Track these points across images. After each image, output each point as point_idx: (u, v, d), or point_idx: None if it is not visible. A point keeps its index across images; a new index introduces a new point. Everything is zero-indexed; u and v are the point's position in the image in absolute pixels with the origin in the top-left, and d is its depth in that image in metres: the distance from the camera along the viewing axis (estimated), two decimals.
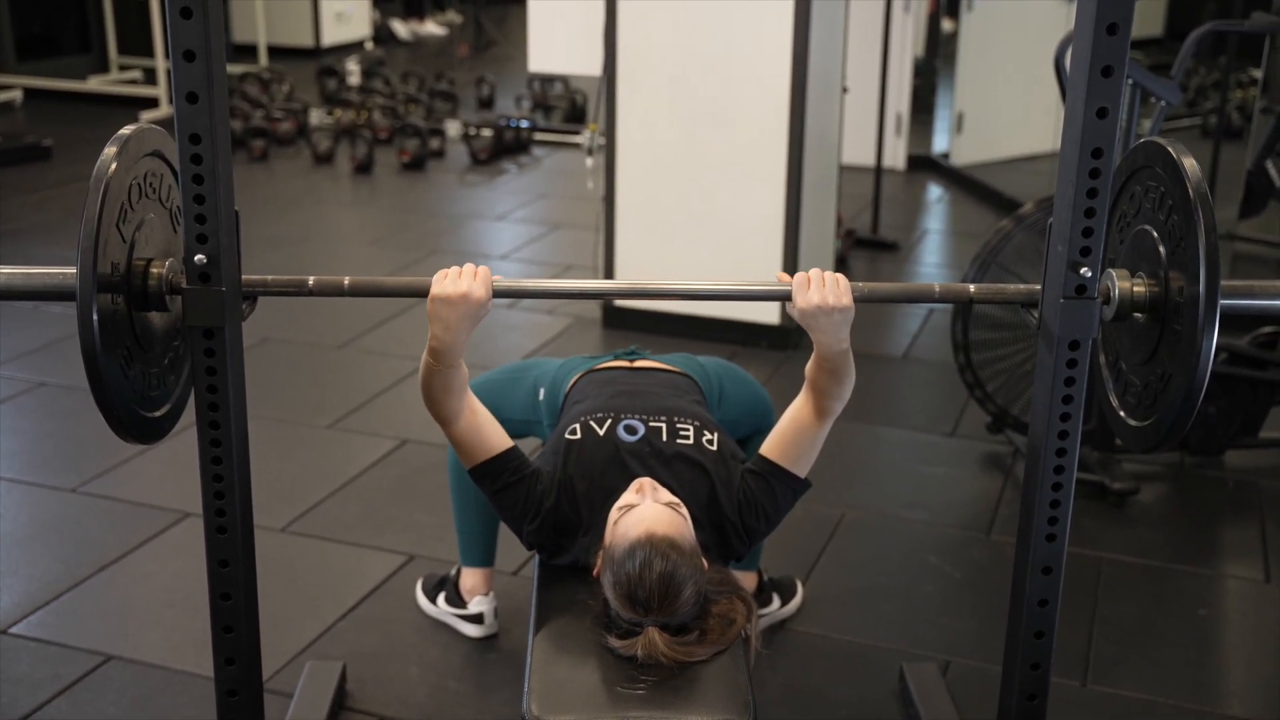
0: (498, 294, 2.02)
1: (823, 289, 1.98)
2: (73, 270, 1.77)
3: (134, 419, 1.90)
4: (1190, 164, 1.86)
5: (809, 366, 2.15)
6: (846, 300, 1.98)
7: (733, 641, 2.01)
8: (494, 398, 2.50)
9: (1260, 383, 3.60)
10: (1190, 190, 1.82)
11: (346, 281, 2.02)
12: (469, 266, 2.02)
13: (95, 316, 1.74)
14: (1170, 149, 1.88)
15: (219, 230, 1.86)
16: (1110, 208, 1.91)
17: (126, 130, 1.88)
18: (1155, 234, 1.93)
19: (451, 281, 1.99)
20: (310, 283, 2.02)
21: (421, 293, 2.00)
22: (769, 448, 2.25)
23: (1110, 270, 1.97)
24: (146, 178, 1.92)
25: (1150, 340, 1.95)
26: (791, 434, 2.23)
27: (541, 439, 2.64)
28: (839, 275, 2.01)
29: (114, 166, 1.81)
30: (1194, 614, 3.01)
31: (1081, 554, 3.20)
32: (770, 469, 2.23)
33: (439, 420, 2.17)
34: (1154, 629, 2.94)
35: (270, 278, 2.01)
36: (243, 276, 1.95)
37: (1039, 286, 2.02)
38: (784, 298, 2.02)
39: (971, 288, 2.08)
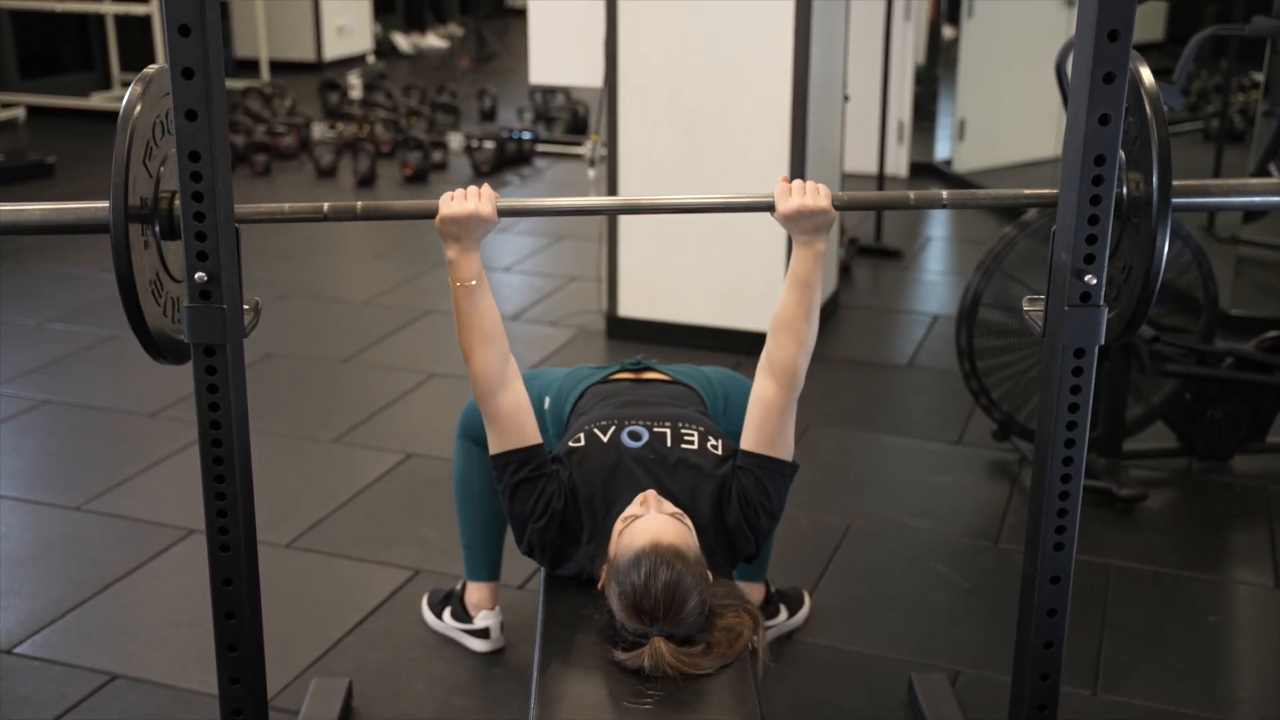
0: (502, 213, 2.11)
1: (803, 195, 2.08)
2: (105, 204, 1.93)
3: (167, 342, 2.02)
4: (1145, 73, 1.95)
5: (779, 302, 2.18)
6: (825, 203, 2.08)
7: (739, 654, 2.00)
8: None
9: (1267, 387, 3.59)
10: (1145, 96, 1.93)
11: (359, 206, 2.08)
12: (473, 187, 2.10)
13: (128, 246, 1.89)
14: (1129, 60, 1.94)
15: (219, 248, 1.85)
16: None
17: (150, 70, 1.97)
18: None
19: (459, 202, 2.08)
20: (325, 208, 2.07)
21: (431, 213, 2.09)
22: (745, 440, 2.25)
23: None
24: (169, 115, 1.98)
25: (1112, 237, 2.00)
26: (760, 415, 2.22)
27: (549, 448, 2.63)
28: (819, 184, 2.10)
29: (139, 107, 1.91)
30: (1204, 621, 3.00)
31: (1090, 561, 3.19)
32: (753, 460, 2.23)
33: (475, 370, 2.18)
34: (1164, 636, 2.92)
35: (288, 206, 2.08)
36: (248, 207, 2.01)
37: (1012, 190, 2.16)
38: (768, 207, 2.11)
39: (944, 194, 2.15)
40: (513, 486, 2.20)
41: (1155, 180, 1.92)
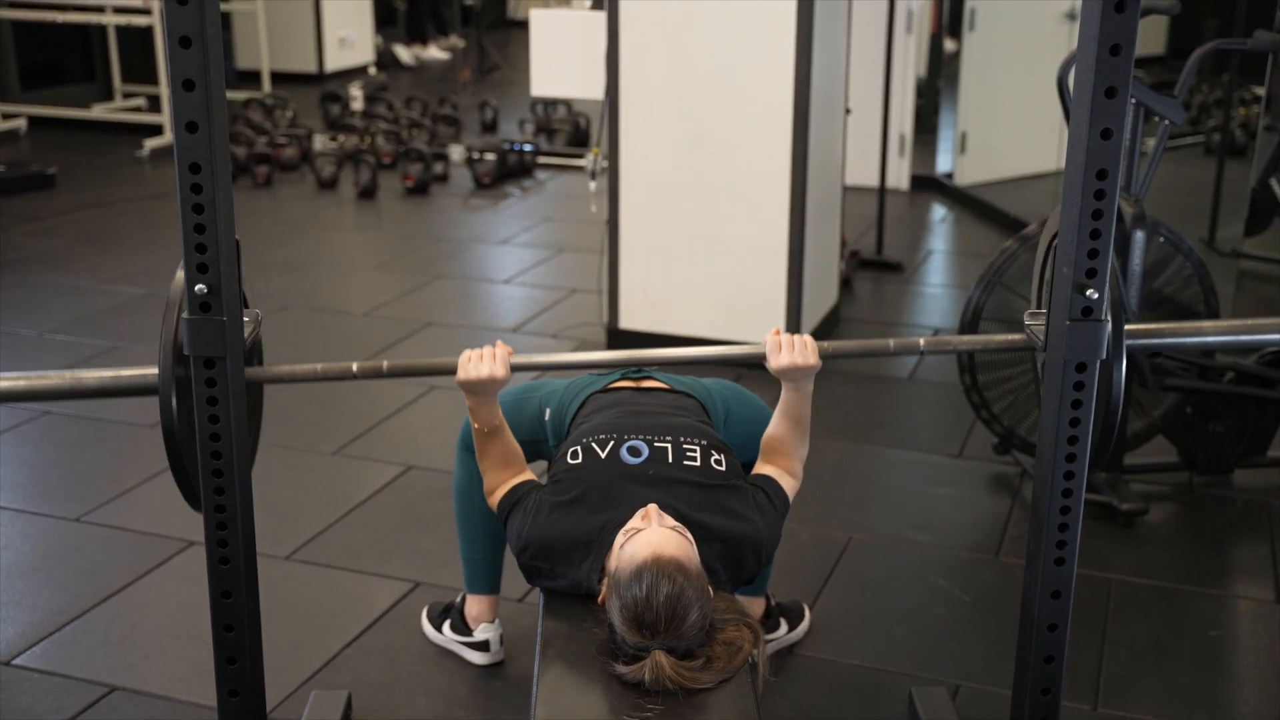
0: (515, 369, 2.28)
1: (792, 351, 2.25)
2: (153, 370, 2.11)
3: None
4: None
5: (771, 426, 2.37)
6: (814, 360, 2.25)
7: (739, 669, 1.99)
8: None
9: (1268, 401, 3.58)
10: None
11: (385, 365, 2.25)
12: (488, 349, 2.26)
13: (174, 406, 2.06)
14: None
15: (219, 259, 1.86)
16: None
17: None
18: None
19: (475, 365, 2.25)
20: (354, 368, 2.23)
21: (452, 371, 2.26)
22: (759, 471, 2.38)
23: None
24: None
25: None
26: (774, 474, 2.37)
27: (549, 459, 2.64)
28: (806, 337, 2.27)
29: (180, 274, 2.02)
30: (1205, 635, 2.99)
31: (1091, 575, 3.18)
32: (765, 481, 2.34)
33: (489, 486, 2.37)
34: (1165, 651, 2.91)
35: (320, 366, 2.25)
36: (288, 368, 2.20)
37: (986, 336, 2.25)
38: (761, 358, 2.28)
39: (921, 341, 2.30)
40: (504, 522, 2.33)
41: (1109, 326, 2.01)
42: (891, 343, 2.29)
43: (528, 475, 2.37)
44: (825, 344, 2.28)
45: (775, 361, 2.25)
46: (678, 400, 2.53)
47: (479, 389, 2.26)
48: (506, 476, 2.35)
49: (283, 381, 2.24)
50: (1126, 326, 2.10)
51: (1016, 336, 2.24)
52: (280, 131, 7.90)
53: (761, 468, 2.37)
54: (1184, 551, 3.39)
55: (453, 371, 2.26)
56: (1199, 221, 5.91)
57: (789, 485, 2.35)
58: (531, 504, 2.25)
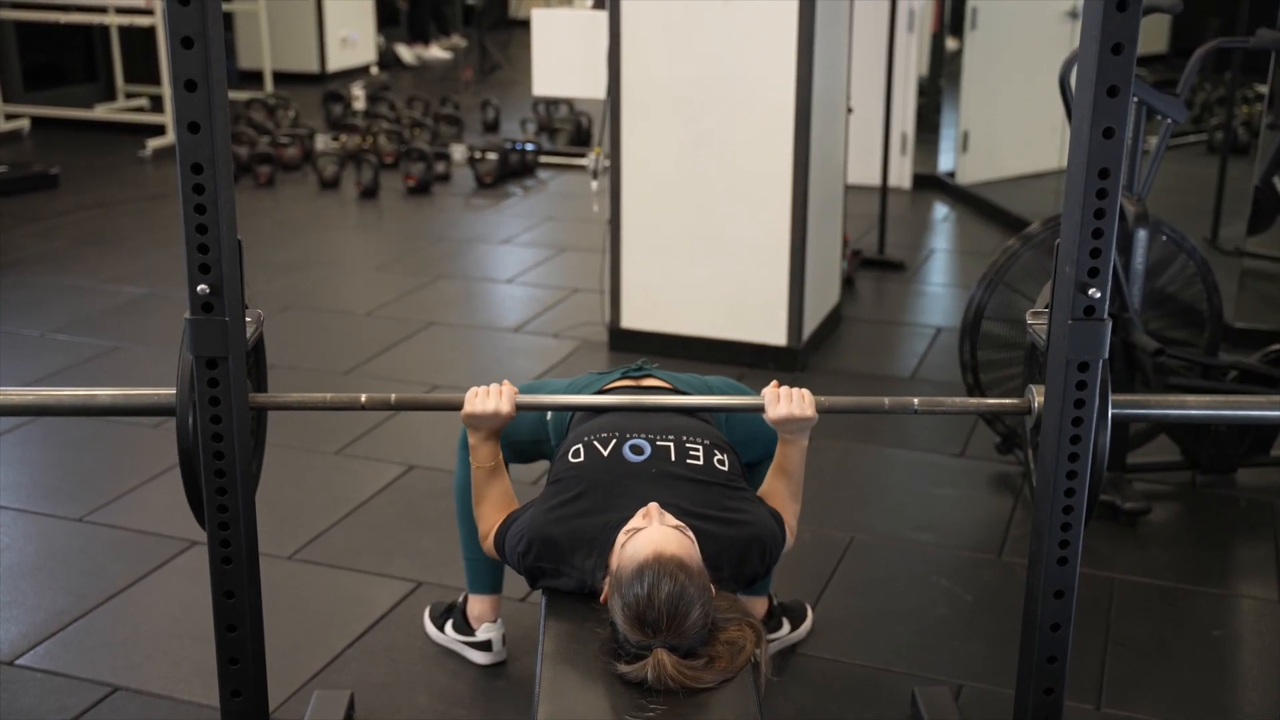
0: (520, 408, 2.33)
1: (790, 403, 2.29)
2: (170, 392, 2.11)
3: None
4: None
5: (765, 482, 2.39)
6: (811, 411, 2.29)
7: (741, 669, 1.99)
8: None
9: None
10: None
11: (393, 398, 2.27)
12: (494, 387, 2.31)
13: (191, 429, 2.06)
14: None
15: (221, 259, 1.86)
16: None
17: None
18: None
19: (481, 401, 2.30)
20: (363, 399, 2.25)
21: (458, 407, 2.31)
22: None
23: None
24: None
25: None
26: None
27: (550, 459, 2.63)
28: (804, 391, 2.31)
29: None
30: (1208, 634, 2.99)
31: (1094, 575, 3.18)
32: (771, 509, 2.33)
33: (483, 530, 2.39)
34: (1168, 650, 2.91)
35: (330, 396, 2.31)
36: (297, 396, 2.26)
37: (976, 399, 2.26)
38: (758, 409, 2.32)
39: (915, 401, 2.28)
40: (500, 553, 2.34)
41: (1095, 398, 2.03)
42: (886, 401, 2.31)
43: (515, 506, 2.39)
44: (822, 399, 2.32)
45: (773, 412, 2.29)
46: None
47: (483, 424, 2.31)
48: (501, 518, 2.37)
49: (291, 409, 2.27)
50: (1114, 397, 2.11)
51: (1011, 401, 2.25)
52: (282, 131, 7.91)
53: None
54: (1187, 551, 3.39)
55: (459, 407, 2.30)
56: (1202, 220, 5.90)
57: (784, 537, 2.36)
58: (526, 515, 2.26)
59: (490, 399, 2.30)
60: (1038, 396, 2.13)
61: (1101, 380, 2.01)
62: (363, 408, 2.26)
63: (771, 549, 2.24)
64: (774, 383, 2.34)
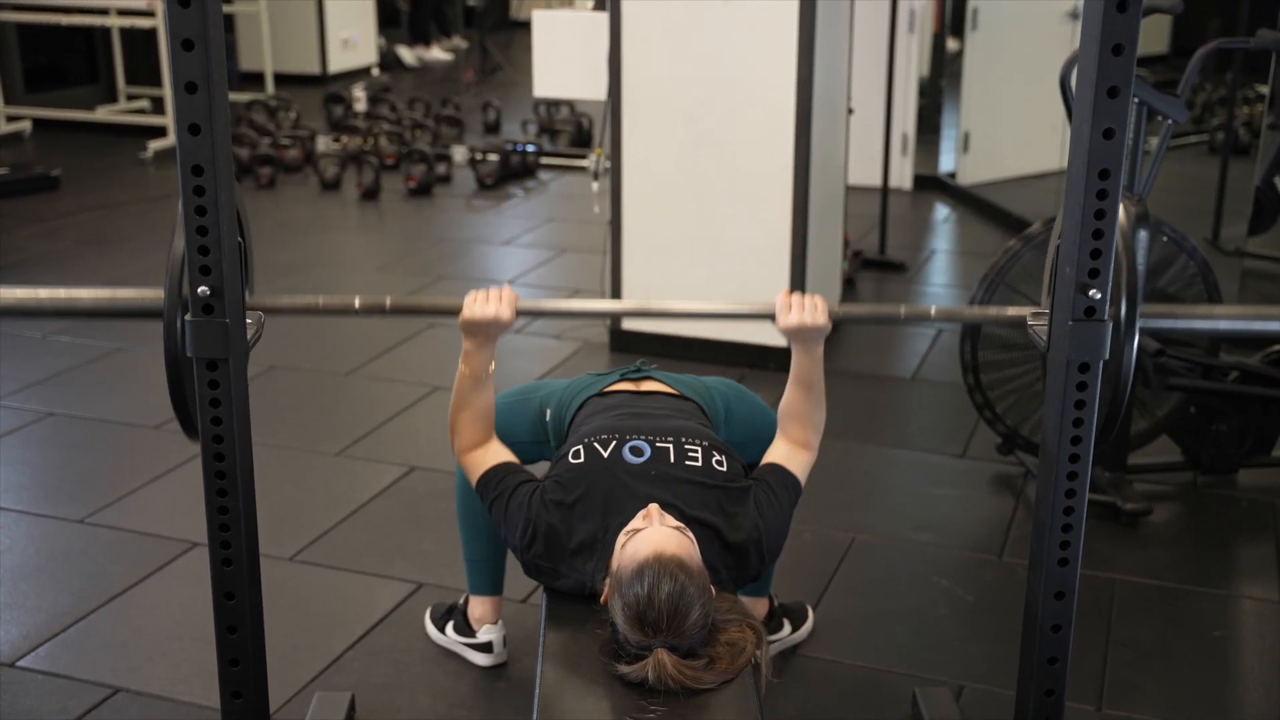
0: (521, 314, 2.26)
1: (802, 311, 2.22)
2: (158, 293, 2.05)
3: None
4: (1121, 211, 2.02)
5: (785, 395, 2.36)
6: (824, 320, 2.23)
7: (741, 669, 1.99)
8: (503, 421, 2.51)
9: (1272, 400, 3.58)
10: (1118, 237, 1.98)
11: (388, 302, 2.22)
12: (494, 290, 2.24)
13: (178, 334, 2.01)
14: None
15: (222, 261, 1.86)
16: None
17: None
18: None
19: (481, 305, 2.23)
20: (356, 303, 2.19)
21: (456, 311, 2.24)
22: (768, 459, 2.38)
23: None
24: None
25: None
26: (785, 454, 2.38)
27: (550, 460, 2.63)
28: (817, 298, 2.24)
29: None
30: (1209, 635, 2.99)
31: (1094, 576, 3.17)
32: (773, 470, 2.34)
33: (460, 444, 2.34)
34: (1169, 651, 2.91)
35: (321, 299, 2.24)
36: (289, 299, 2.18)
37: (999, 310, 2.28)
38: (769, 317, 2.25)
39: (932, 309, 2.35)
40: (491, 505, 2.30)
41: (1124, 302, 2.03)
42: (902, 309, 2.28)
43: (510, 457, 2.36)
44: (835, 308, 2.26)
45: (784, 320, 2.23)
46: (678, 403, 2.53)
47: (481, 331, 2.25)
48: (482, 438, 2.34)
49: (283, 313, 2.20)
50: (1143, 306, 2.09)
51: (1026, 310, 2.19)
52: (283, 133, 7.91)
53: (776, 445, 2.39)
54: (1188, 552, 3.38)
55: (458, 311, 2.24)
56: (1202, 221, 5.90)
57: (802, 462, 2.36)
58: (531, 501, 2.24)
59: (490, 304, 2.23)
60: None
61: (1129, 291, 2.02)
62: (356, 312, 2.21)
63: (771, 546, 2.24)
64: (784, 290, 2.29)
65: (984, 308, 2.34)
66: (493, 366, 2.33)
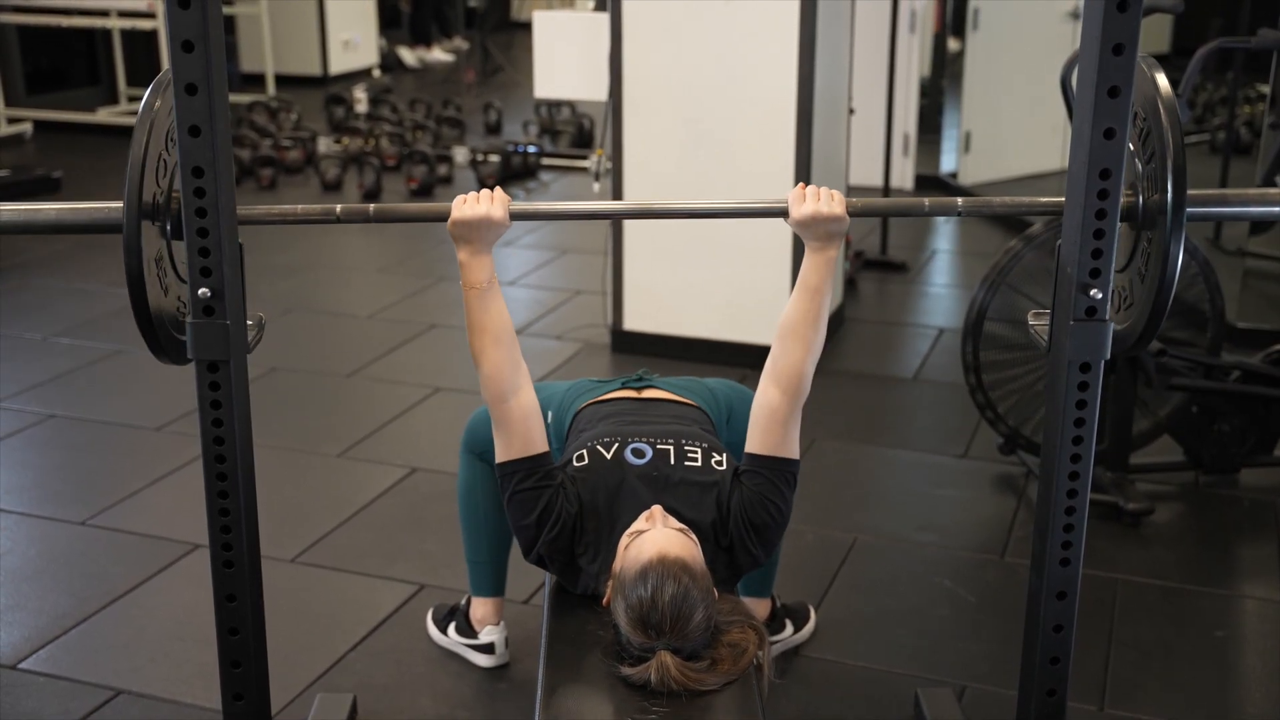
0: (515, 216, 2.14)
1: (817, 201, 2.09)
2: (118, 204, 1.94)
3: (170, 341, 2.02)
4: (1161, 80, 1.95)
5: (787, 307, 2.18)
6: (839, 210, 2.09)
7: (744, 671, 1.99)
8: None
9: (1274, 400, 3.57)
10: (1161, 105, 1.93)
11: (372, 208, 2.12)
12: (485, 191, 2.13)
13: (140, 244, 1.91)
14: (1144, 65, 1.95)
15: (222, 263, 1.86)
16: None
17: (166, 76, 1.96)
18: (1130, 148, 2.02)
19: (470, 206, 2.10)
20: (338, 210, 2.10)
21: (442, 216, 2.11)
22: (750, 445, 2.24)
23: None
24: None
25: (1126, 248, 2.03)
26: (764, 422, 2.21)
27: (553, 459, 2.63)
28: (834, 190, 2.11)
29: (157, 107, 1.94)
30: (1211, 635, 2.98)
31: (1096, 575, 3.17)
32: (759, 461, 2.21)
33: (486, 371, 2.16)
34: (1171, 651, 2.91)
35: (300, 208, 2.13)
36: (266, 208, 2.08)
37: (1032, 199, 2.17)
38: (782, 213, 2.13)
39: (959, 201, 2.14)
40: (518, 495, 2.19)
41: (1170, 190, 1.92)
42: (926, 202, 2.14)
43: (544, 443, 2.20)
44: (854, 200, 2.13)
45: (797, 211, 2.09)
46: (678, 409, 2.52)
47: (474, 234, 2.11)
48: (508, 372, 2.16)
49: (264, 223, 2.09)
50: (1190, 192, 1.95)
51: (1057, 200, 2.07)
52: (284, 134, 7.91)
53: (764, 400, 2.20)
54: (1190, 551, 3.38)
55: (446, 216, 2.11)
56: (1204, 220, 5.89)
57: (789, 429, 2.17)
58: (565, 493, 2.18)
59: (481, 204, 2.10)
60: None
61: (1175, 186, 1.91)
62: (338, 219, 2.09)
63: (765, 539, 2.20)
64: (800, 184, 2.14)
65: (1016, 199, 2.22)
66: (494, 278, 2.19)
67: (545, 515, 2.17)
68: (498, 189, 2.15)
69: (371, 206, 2.11)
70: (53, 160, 7.77)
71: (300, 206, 2.12)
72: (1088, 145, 1.82)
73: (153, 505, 3.55)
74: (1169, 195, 1.92)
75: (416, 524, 3.45)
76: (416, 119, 8.45)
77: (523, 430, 2.19)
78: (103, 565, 3.24)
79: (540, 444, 2.21)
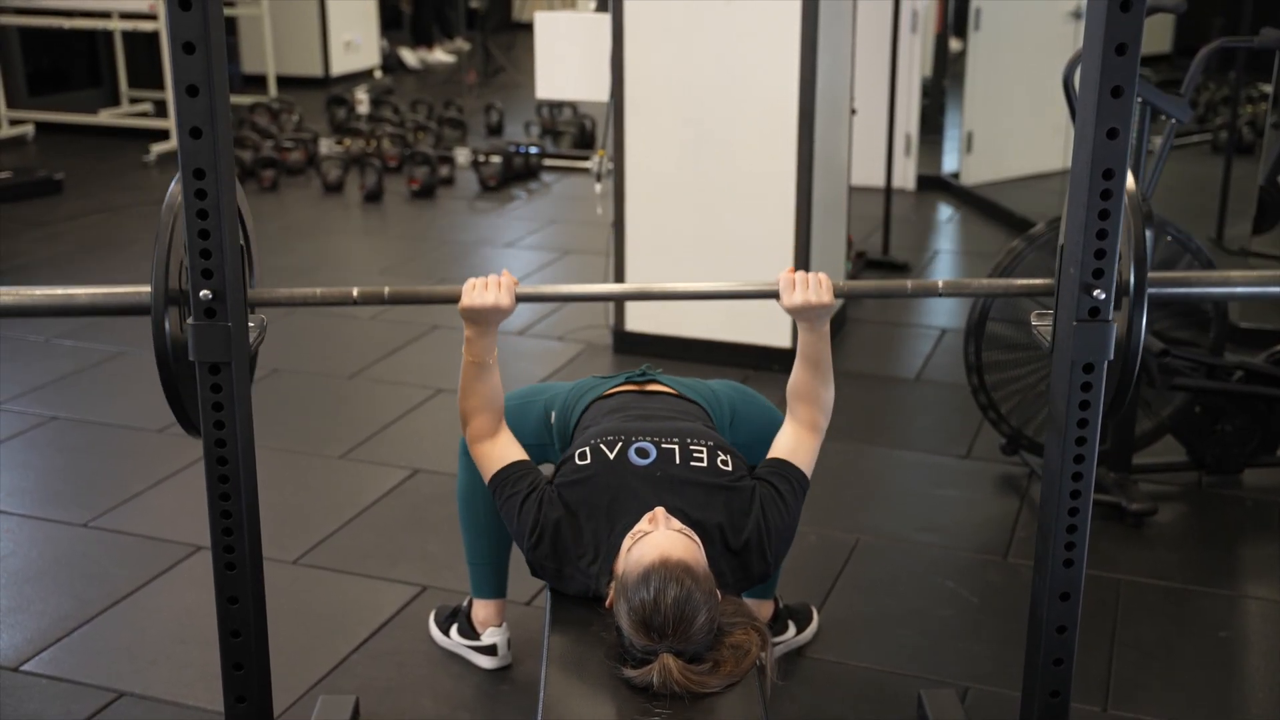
0: (520, 299, 2.26)
1: (806, 289, 2.21)
2: (146, 289, 2.06)
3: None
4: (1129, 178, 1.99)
5: (793, 374, 2.33)
6: (829, 298, 2.22)
7: (746, 672, 1.98)
8: (507, 423, 2.49)
9: (1277, 400, 3.57)
10: (1124, 197, 1.95)
11: (386, 292, 2.22)
12: (493, 278, 2.25)
13: (166, 328, 2.02)
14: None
15: (224, 265, 1.86)
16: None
17: None
18: None
19: (480, 293, 2.22)
20: (354, 294, 2.19)
21: (455, 299, 2.24)
22: (773, 453, 2.34)
23: None
24: None
25: None
26: (789, 446, 2.33)
27: (555, 463, 2.63)
28: (822, 275, 2.23)
29: (180, 200, 1.99)
30: (1214, 636, 2.98)
31: (1100, 576, 3.17)
32: (778, 465, 2.30)
33: (471, 433, 2.33)
34: (1174, 652, 2.90)
35: (319, 291, 2.21)
36: (287, 291, 2.18)
37: (1008, 282, 2.26)
38: (774, 295, 2.24)
39: (939, 283, 2.25)
40: (504, 507, 2.27)
41: (1133, 274, 2.02)
42: (909, 284, 2.26)
43: (521, 454, 2.33)
44: (840, 283, 2.24)
45: (788, 300, 2.21)
46: (683, 405, 2.52)
47: (481, 318, 2.24)
48: (492, 427, 2.32)
49: (282, 305, 2.22)
50: (1152, 274, 2.05)
51: (1038, 281, 2.18)
52: (286, 135, 7.91)
53: (783, 433, 2.35)
54: (1193, 552, 3.38)
55: (457, 299, 2.23)
56: (1206, 220, 5.89)
57: (809, 449, 2.32)
58: (541, 501, 2.22)
59: (490, 292, 2.22)
60: None
61: (1137, 258, 2.01)
62: (354, 302, 2.20)
63: (777, 546, 2.22)
64: (789, 267, 2.28)
65: (993, 280, 2.31)
66: (496, 353, 2.33)
67: (525, 526, 2.21)
68: (505, 273, 2.27)
69: (386, 290, 2.22)
70: (54, 162, 7.77)
71: (319, 290, 2.22)
72: (1091, 145, 1.82)
73: (155, 507, 3.55)
74: (1131, 278, 2.03)
75: (418, 525, 3.45)
76: (418, 120, 8.45)
77: (499, 454, 2.32)
78: (105, 567, 3.24)
79: (515, 453, 2.33)
